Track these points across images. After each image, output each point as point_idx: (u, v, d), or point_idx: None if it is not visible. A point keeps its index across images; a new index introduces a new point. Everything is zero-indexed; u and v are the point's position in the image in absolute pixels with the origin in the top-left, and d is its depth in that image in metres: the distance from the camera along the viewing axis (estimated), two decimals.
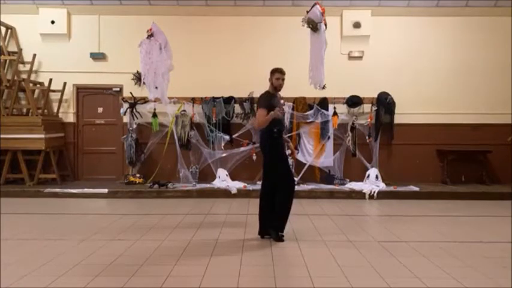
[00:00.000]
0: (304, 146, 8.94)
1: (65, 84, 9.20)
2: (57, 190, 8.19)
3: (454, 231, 5.66)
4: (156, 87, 7.17)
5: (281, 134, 5.21)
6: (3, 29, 9.24)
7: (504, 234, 5.41)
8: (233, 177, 8.86)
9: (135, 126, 9.06)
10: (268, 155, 5.13)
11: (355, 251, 4.62)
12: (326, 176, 8.93)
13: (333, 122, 8.81)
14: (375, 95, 9.05)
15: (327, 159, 8.92)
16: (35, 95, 9.21)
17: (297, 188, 8.24)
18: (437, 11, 9.31)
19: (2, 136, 8.47)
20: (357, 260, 4.32)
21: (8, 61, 9.21)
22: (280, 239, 4.98)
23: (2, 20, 9.08)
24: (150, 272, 3.91)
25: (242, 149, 8.96)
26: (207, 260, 4.27)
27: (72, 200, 7.84)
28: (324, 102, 8.91)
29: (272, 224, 5.05)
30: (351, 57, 9.37)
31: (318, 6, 5.73)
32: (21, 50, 9.26)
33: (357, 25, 9.22)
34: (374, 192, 8.10)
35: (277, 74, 5.16)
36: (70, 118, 9.49)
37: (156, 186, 8.45)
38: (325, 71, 5.96)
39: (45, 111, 9.09)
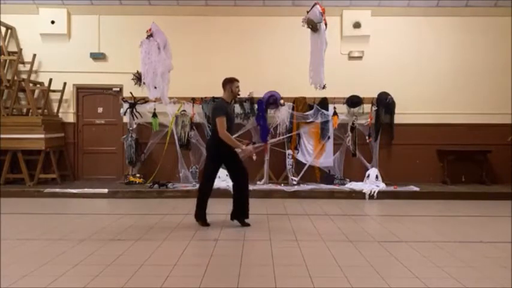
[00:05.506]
0: (304, 146, 8.94)
1: (65, 84, 9.20)
2: (57, 190, 8.19)
3: (454, 231, 5.65)
4: (156, 87, 7.16)
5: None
6: (3, 29, 9.22)
7: (504, 234, 5.41)
8: None
9: (135, 126, 9.06)
10: (212, 153, 5.65)
11: (355, 251, 4.62)
12: (326, 176, 8.93)
13: (333, 122, 8.81)
14: (375, 95, 9.05)
15: (327, 159, 8.92)
16: (35, 95, 9.20)
17: (297, 188, 8.38)
18: (437, 11, 9.30)
19: (2, 136, 8.47)
20: (357, 260, 4.31)
21: (8, 61, 9.20)
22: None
23: (2, 20, 9.07)
24: (150, 272, 3.91)
25: None
26: (207, 260, 4.27)
27: (72, 200, 7.83)
28: (324, 102, 8.90)
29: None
30: (351, 57, 9.36)
31: (318, 6, 5.74)
32: (21, 50, 9.25)
33: (357, 25, 9.21)
34: (374, 192, 8.10)
35: (237, 83, 5.63)
36: (70, 118, 9.49)
37: (156, 186, 8.45)
38: (325, 71, 5.96)
39: (45, 111, 9.08)
